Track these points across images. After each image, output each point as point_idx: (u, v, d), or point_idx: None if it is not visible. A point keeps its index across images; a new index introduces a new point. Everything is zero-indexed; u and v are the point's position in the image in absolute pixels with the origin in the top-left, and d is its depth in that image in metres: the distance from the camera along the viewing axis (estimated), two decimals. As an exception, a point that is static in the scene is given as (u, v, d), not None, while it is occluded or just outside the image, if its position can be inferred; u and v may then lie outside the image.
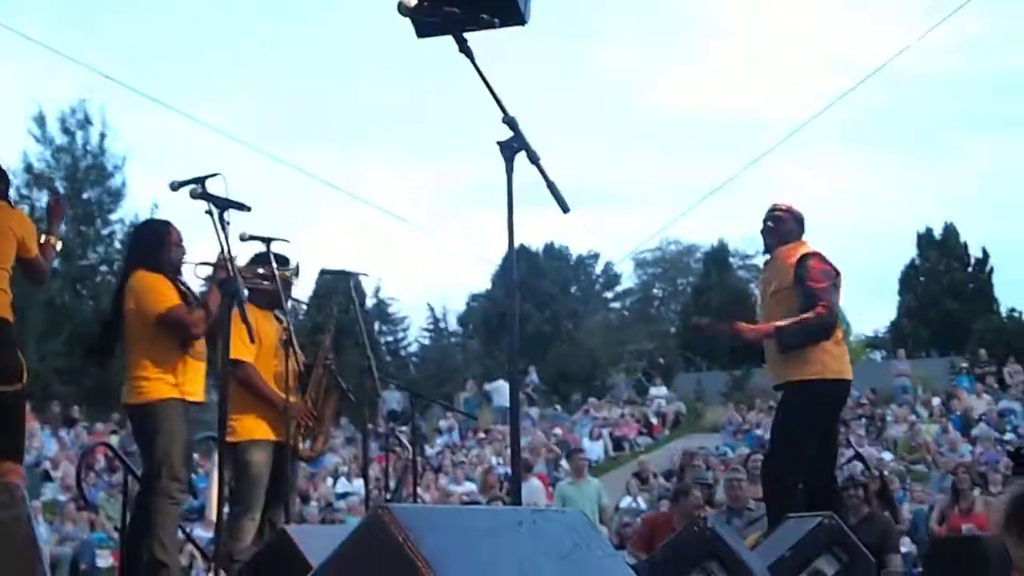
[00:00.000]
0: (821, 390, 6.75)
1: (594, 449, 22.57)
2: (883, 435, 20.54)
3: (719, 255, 48.45)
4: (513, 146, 3.88)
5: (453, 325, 55.33)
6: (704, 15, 71.46)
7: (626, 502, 15.02)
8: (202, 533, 12.58)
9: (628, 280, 59.52)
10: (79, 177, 33.87)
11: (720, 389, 32.89)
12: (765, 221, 7.10)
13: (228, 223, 5.30)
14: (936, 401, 23.06)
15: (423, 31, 5.34)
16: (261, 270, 6.36)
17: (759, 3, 68.85)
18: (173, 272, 6.16)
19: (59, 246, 6.28)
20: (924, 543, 11.43)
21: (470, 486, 17.36)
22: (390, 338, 51.24)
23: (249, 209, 5.38)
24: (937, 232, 42.30)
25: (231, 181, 5.29)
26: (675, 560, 5.01)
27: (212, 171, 5.28)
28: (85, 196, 33.96)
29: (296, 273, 6.69)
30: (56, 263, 30.25)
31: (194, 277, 6.17)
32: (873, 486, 11.02)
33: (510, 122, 3.87)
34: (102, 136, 34.23)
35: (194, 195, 5.21)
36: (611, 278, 59.17)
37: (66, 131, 34.01)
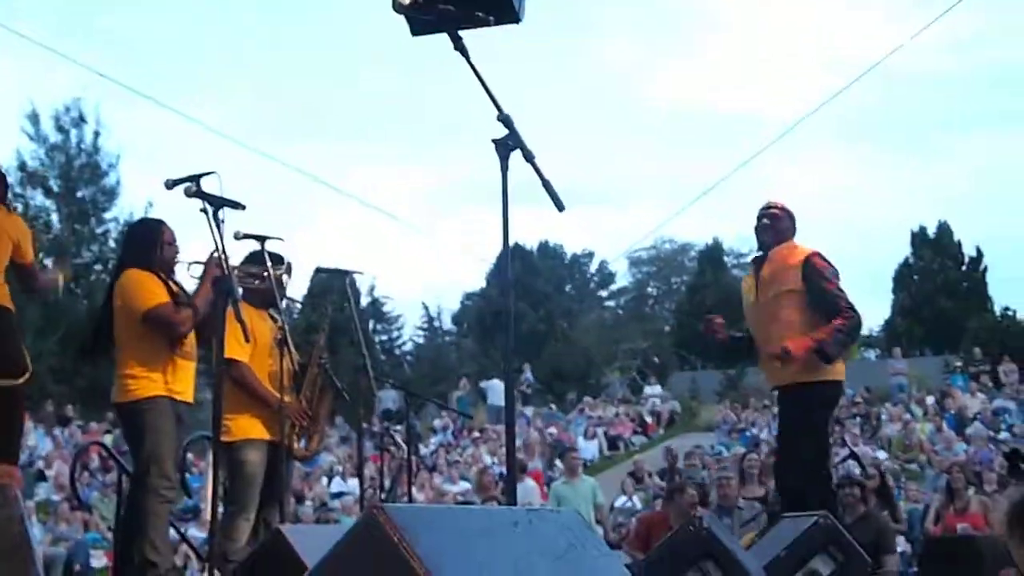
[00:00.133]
0: (834, 389, 6.83)
1: (589, 448, 22.59)
2: (878, 434, 20.56)
3: (713, 254, 48.52)
4: (508, 144, 3.87)
5: (448, 324, 55.48)
6: (700, 10, 71.56)
7: (621, 501, 15.00)
8: (197, 533, 12.55)
9: (623, 279, 59.68)
10: (73, 175, 33.80)
11: (715, 388, 32.92)
12: (760, 219, 7.07)
13: (222, 221, 5.28)
14: (930, 400, 23.10)
15: (417, 29, 5.33)
16: (254, 269, 6.34)
17: (758, 0, 68.92)
18: (166, 271, 6.14)
19: (61, 282, 6.19)
20: (919, 542, 11.43)
21: (465, 485, 17.35)
22: (385, 337, 51.28)
23: (243, 207, 5.36)
24: (931, 230, 42.38)
25: (226, 179, 5.27)
26: (671, 559, 5.01)
27: (207, 169, 5.27)
28: (79, 194, 33.89)
29: (288, 271, 6.67)
30: (50, 261, 30.20)
31: (188, 276, 6.16)
32: (872, 484, 11.02)
33: (505, 120, 3.86)
34: (96, 134, 34.18)
35: (188, 193, 5.19)
36: (606, 277, 59.27)
37: (60, 129, 33.94)
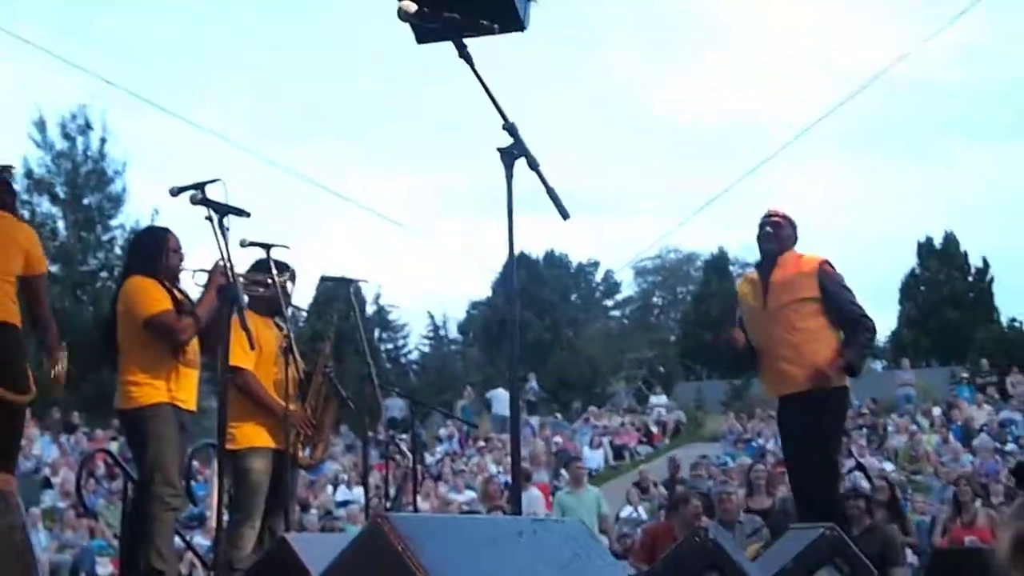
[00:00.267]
0: (845, 396, 6.83)
1: (594, 458, 22.56)
2: (884, 445, 20.51)
3: (719, 263, 48.51)
4: (513, 153, 3.87)
5: (453, 333, 55.48)
6: (704, 21, 71.58)
7: (626, 511, 14.98)
8: (202, 541, 12.56)
9: (628, 288, 59.68)
10: (79, 182, 33.84)
11: (720, 398, 32.89)
12: (762, 227, 7.05)
13: (228, 229, 5.28)
14: (937, 411, 23.02)
15: (423, 37, 5.34)
16: (259, 276, 6.33)
17: (760, 11, 68.97)
18: (171, 279, 6.13)
19: (61, 370, 6.08)
20: (926, 555, 11.39)
21: (470, 494, 17.33)
22: (390, 345, 51.31)
23: (249, 215, 5.36)
24: (937, 241, 42.36)
25: (231, 187, 5.27)
26: (676, 571, 4.98)
27: (212, 176, 5.26)
28: (85, 201, 33.93)
29: (292, 278, 6.66)
30: (56, 268, 30.26)
31: (193, 284, 6.15)
32: (882, 496, 10.99)
33: (510, 128, 3.86)
34: (103, 141, 34.22)
35: (194, 201, 5.18)
36: (611, 286, 59.24)
37: (67, 136, 33.98)
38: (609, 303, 60.18)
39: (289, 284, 6.64)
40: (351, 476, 19.24)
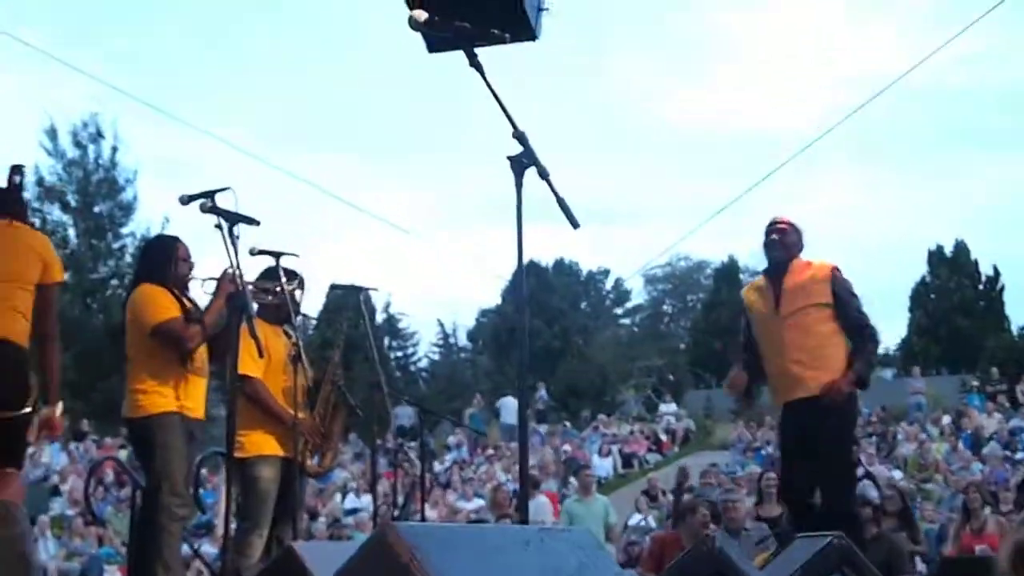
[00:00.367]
0: (854, 401, 6.82)
1: (603, 466, 22.53)
2: (893, 453, 20.45)
3: (729, 271, 48.39)
4: (523, 161, 3.87)
5: (463, 340, 55.47)
6: (716, 33, 71.54)
7: (635, 519, 14.95)
8: (210, 549, 12.55)
9: (638, 296, 59.61)
10: (90, 191, 33.99)
11: (730, 406, 32.71)
12: (768, 234, 7.03)
13: (237, 237, 5.28)
14: (946, 419, 22.97)
15: (434, 46, 5.34)
16: (268, 284, 6.33)
17: (769, 21, 68.98)
18: (180, 287, 6.13)
19: (60, 414, 6.02)
20: (935, 563, 11.35)
21: (479, 502, 17.31)
22: (400, 353, 51.35)
23: (258, 223, 5.36)
24: (948, 249, 42.27)
25: (241, 195, 5.28)
26: (683, 579, 4.98)
27: (222, 185, 5.27)
28: (96, 209, 34.07)
29: (301, 286, 6.66)
30: (66, 276, 30.27)
31: (202, 292, 6.15)
32: (892, 505, 10.97)
33: (520, 137, 3.86)
34: (114, 149, 34.40)
35: (203, 209, 5.19)
36: (621, 294, 59.19)
37: (78, 144, 34.14)
38: (619, 311, 60.12)
39: (298, 292, 6.65)
40: (360, 484, 19.25)
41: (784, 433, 7.14)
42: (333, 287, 7.82)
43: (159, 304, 5.97)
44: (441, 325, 54.66)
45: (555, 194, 3.88)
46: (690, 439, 27.73)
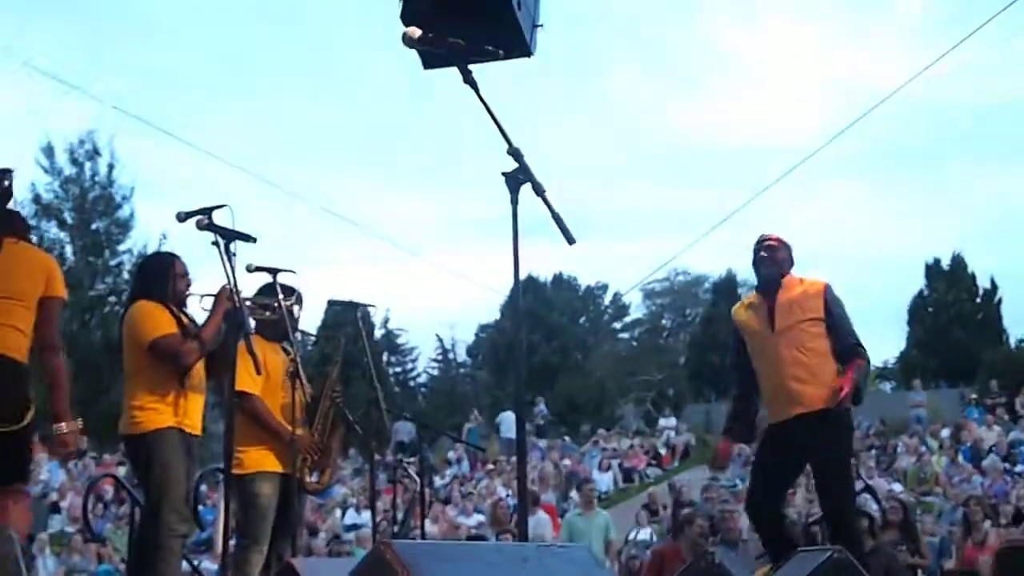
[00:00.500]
0: (850, 416, 6.80)
1: (603, 480, 22.52)
2: (893, 466, 20.44)
3: (728, 285, 48.34)
4: (518, 177, 3.88)
5: (462, 356, 55.37)
6: (712, 47, 71.65)
7: (636, 534, 14.94)
8: (210, 565, 12.53)
9: (637, 311, 59.51)
10: (87, 208, 34.00)
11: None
12: (757, 252, 7.03)
13: (234, 254, 5.29)
14: (945, 432, 22.95)
15: (429, 63, 5.35)
16: (265, 300, 6.33)
17: (766, 35, 69.09)
18: (177, 303, 6.13)
19: (71, 430, 5.99)
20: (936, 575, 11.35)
21: (479, 518, 17.29)
22: (399, 369, 51.31)
23: (255, 240, 5.37)
24: (945, 262, 42.24)
25: (238, 212, 5.29)
26: (683, 594, 4.98)
27: (219, 202, 5.27)
28: (93, 227, 34.08)
29: (298, 302, 6.65)
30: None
31: (200, 309, 6.15)
32: (895, 517, 10.96)
33: (515, 153, 3.87)
34: (110, 167, 34.42)
35: (200, 226, 5.20)
36: (620, 309, 59.11)
37: (74, 162, 34.18)
38: (618, 325, 60.04)
39: (296, 308, 6.64)
40: (359, 500, 19.22)
41: (767, 446, 7.06)
42: (331, 303, 7.81)
43: (156, 320, 5.96)
44: (440, 340, 54.60)
45: (551, 211, 3.89)
46: (690, 453, 27.67)
